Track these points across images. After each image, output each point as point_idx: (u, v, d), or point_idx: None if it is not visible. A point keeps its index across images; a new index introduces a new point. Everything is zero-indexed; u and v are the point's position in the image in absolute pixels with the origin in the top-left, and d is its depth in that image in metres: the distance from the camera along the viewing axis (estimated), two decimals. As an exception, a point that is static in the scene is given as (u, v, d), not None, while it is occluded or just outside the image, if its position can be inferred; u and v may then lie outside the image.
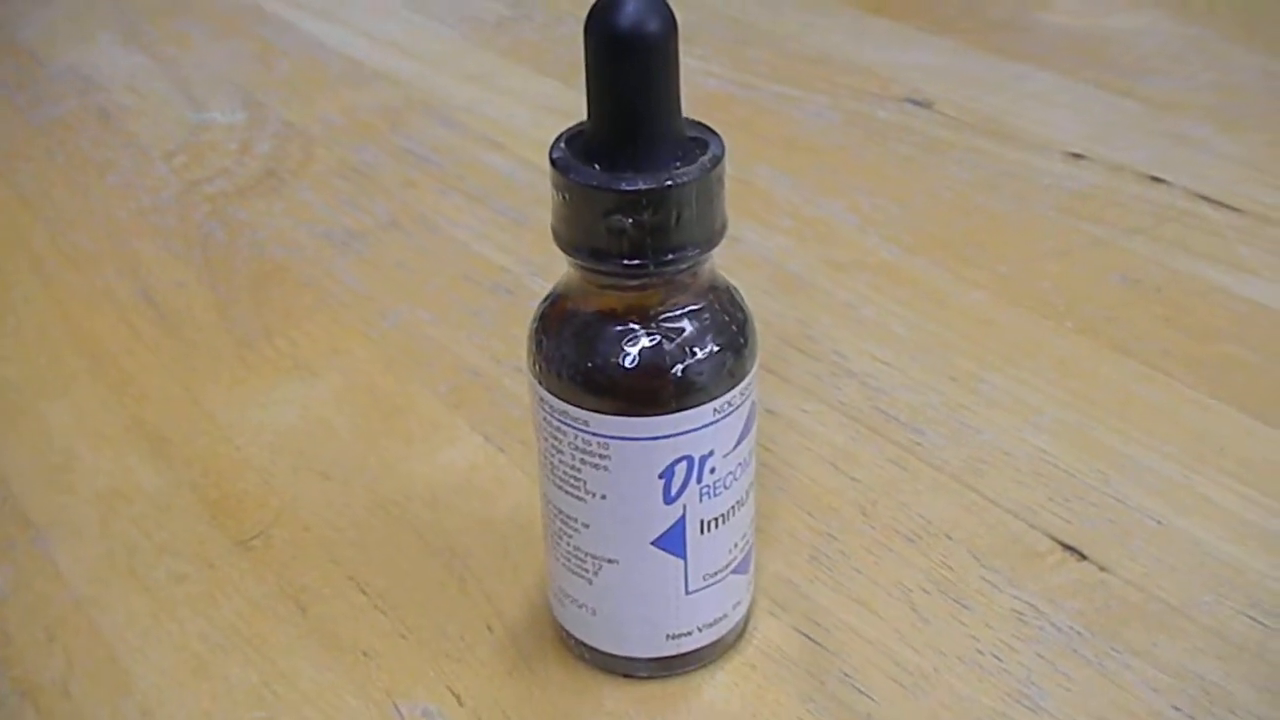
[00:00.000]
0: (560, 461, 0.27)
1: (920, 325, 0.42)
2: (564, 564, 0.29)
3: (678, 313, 0.26)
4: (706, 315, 0.26)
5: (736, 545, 0.29)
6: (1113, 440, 0.37)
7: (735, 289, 0.28)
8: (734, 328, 0.27)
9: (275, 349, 0.42)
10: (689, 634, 0.29)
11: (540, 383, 0.27)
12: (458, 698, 0.30)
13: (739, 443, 0.27)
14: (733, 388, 0.27)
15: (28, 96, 0.62)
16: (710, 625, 0.29)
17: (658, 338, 0.26)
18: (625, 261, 0.25)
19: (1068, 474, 0.36)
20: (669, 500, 0.27)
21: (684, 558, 0.28)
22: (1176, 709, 0.29)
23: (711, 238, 0.26)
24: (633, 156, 0.24)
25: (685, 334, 0.26)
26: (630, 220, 0.24)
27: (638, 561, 0.28)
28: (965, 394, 0.39)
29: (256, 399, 0.40)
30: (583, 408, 0.26)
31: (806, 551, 0.34)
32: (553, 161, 0.25)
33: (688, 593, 0.28)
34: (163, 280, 0.47)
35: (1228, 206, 0.48)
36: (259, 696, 0.30)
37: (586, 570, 0.28)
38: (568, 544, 0.28)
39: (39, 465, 0.38)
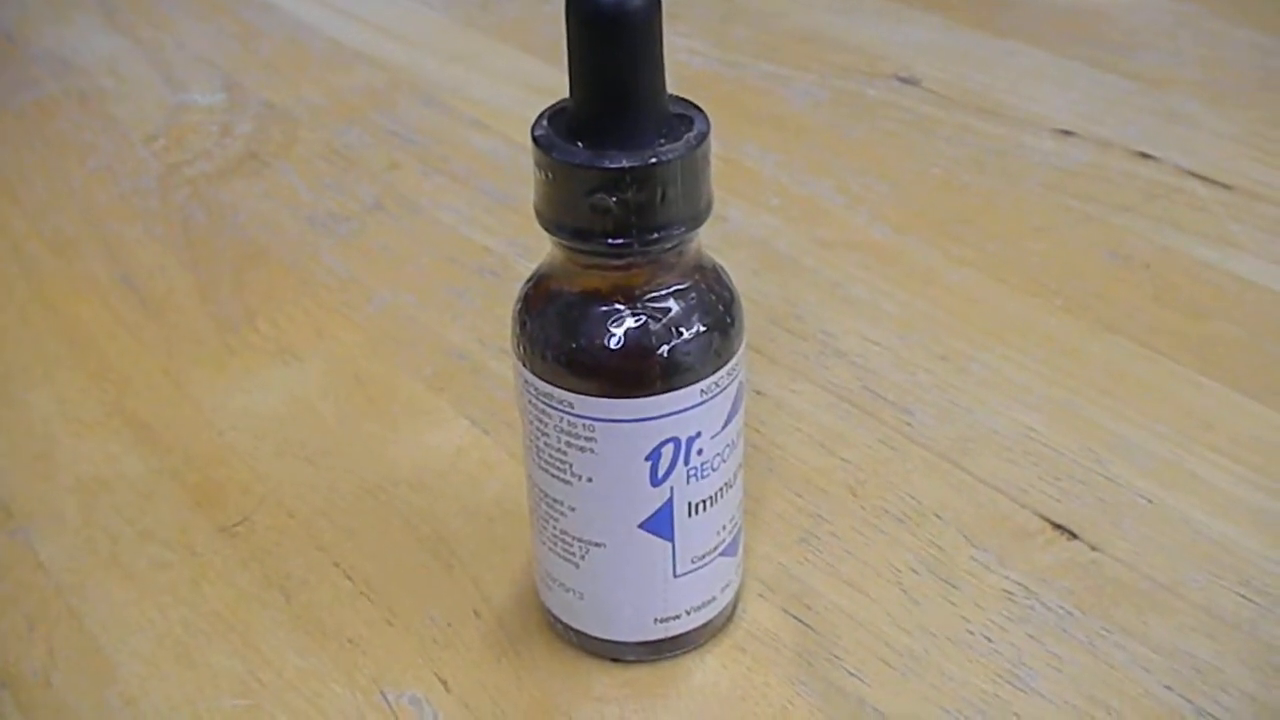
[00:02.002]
0: (546, 444, 0.27)
1: (909, 304, 0.42)
2: (551, 548, 0.29)
3: (663, 292, 0.26)
4: (693, 295, 0.26)
5: (725, 527, 0.29)
6: (1102, 418, 0.37)
7: (722, 268, 0.27)
8: (721, 307, 0.26)
9: (258, 333, 0.42)
10: (677, 617, 0.29)
11: (525, 365, 0.27)
12: (444, 684, 0.30)
13: (727, 424, 0.27)
14: (720, 368, 0.26)
15: (5, 80, 0.62)
16: (699, 608, 0.29)
17: (643, 318, 0.26)
18: (610, 240, 0.24)
19: (1057, 453, 0.36)
20: (656, 483, 0.27)
21: (672, 540, 0.28)
22: (1168, 688, 0.29)
23: (697, 216, 0.25)
24: (616, 134, 0.24)
25: (671, 314, 0.26)
26: (614, 198, 0.24)
27: (625, 545, 0.28)
28: (954, 373, 0.39)
29: (239, 384, 0.40)
30: (568, 389, 0.26)
31: (795, 533, 0.33)
32: (535, 139, 0.25)
33: (676, 576, 0.28)
34: (144, 264, 0.46)
35: (1217, 183, 0.48)
36: (243, 684, 0.30)
37: (573, 554, 0.28)
38: (554, 528, 0.28)
39: (19, 453, 0.37)
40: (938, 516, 0.34)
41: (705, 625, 0.30)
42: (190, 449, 0.37)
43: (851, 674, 0.29)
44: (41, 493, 0.36)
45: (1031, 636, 0.30)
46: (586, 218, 0.24)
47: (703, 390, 0.26)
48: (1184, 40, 0.61)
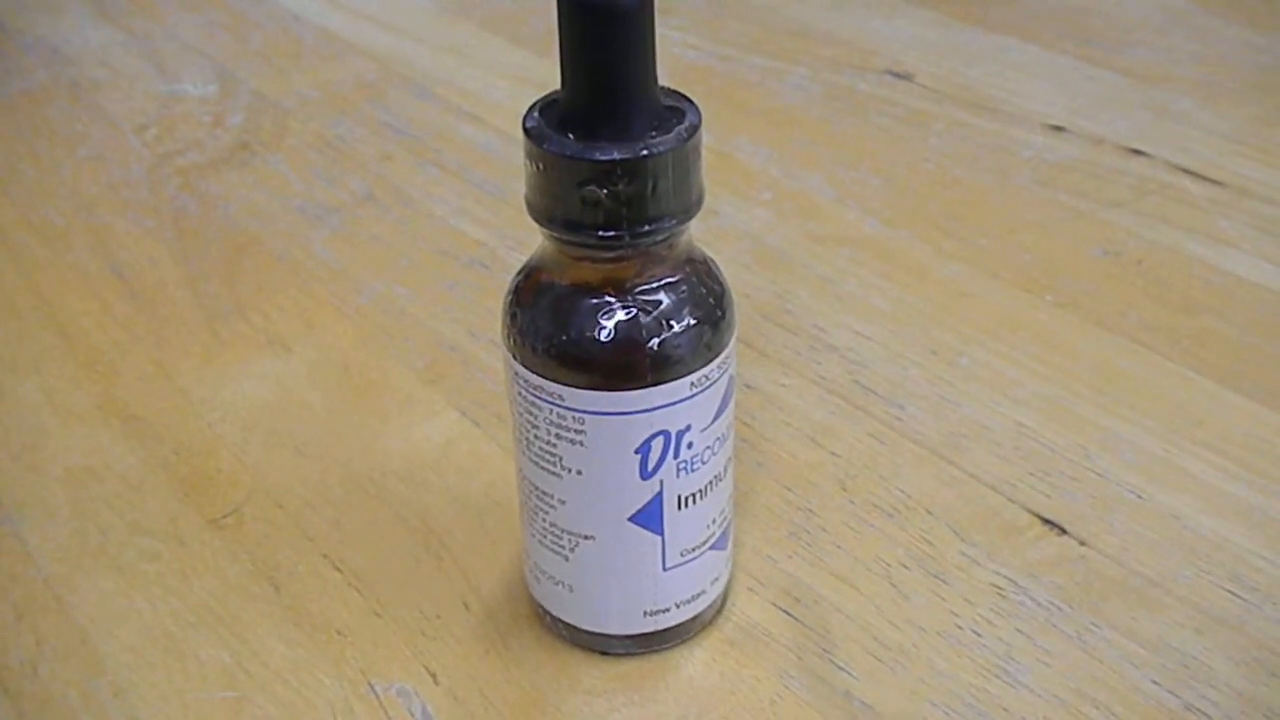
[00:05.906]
0: (536, 437, 0.27)
1: (900, 299, 0.42)
2: (541, 540, 0.29)
3: (654, 285, 0.26)
4: (684, 288, 0.26)
5: (714, 521, 0.29)
6: (1092, 414, 0.37)
7: (713, 261, 0.27)
8: (711, 300, 0.26)
9: (248, 324, 0.42)
10: (666, 610, 0.29)
11: (515, 357, 0.27)
12: (433, 676, 0.30)
13: (717, 417, 0.27)
14: (710, 361, 0.26)
15: (-4, 69, 0.62)
16: (688, 602, 0.29)
17: (634, 311, 0.26)
18: (600, 233, 0.24)
19: (1047, 448, 0.36)
20: (646, 476, 0.27)
21: (661, 534, 0.28)
22: (1155, 683, 0.29)
23: (688, 209, 0.25)
24: (608, 126, 0.24)
25: (662, 307, 0.26)
26: (605, 191, 0.24)
27: (615, 538, 0.28)
28: (945, 368, 0.39)
29: (229, 375, 0.40)
30: (558, 382, 0.26)
31: (785, 527, 0.33)
32: (526, 131, 0.25)
33: (665, 569, 0.28)
34: (134, 255, 0.46)
35: (1208, 179, 0.48)
36: (232, 676, 0.30)
37: (563, 547, 0.28)
38: (544, 520, 0.28)
39: (8, 443, 0.37)
40: (928, 511, 0.34)
41: (694, 619, 0.30)
42: (179, 440, 0.37)
43: (840, 668, 0.29)
44: (30, 484, 0.36)
45: (1020, 631, 0.30)
46: (577, 210, 0.24)
47: (693, 383, 0.26)
48: (1176, 37, 0.61)
